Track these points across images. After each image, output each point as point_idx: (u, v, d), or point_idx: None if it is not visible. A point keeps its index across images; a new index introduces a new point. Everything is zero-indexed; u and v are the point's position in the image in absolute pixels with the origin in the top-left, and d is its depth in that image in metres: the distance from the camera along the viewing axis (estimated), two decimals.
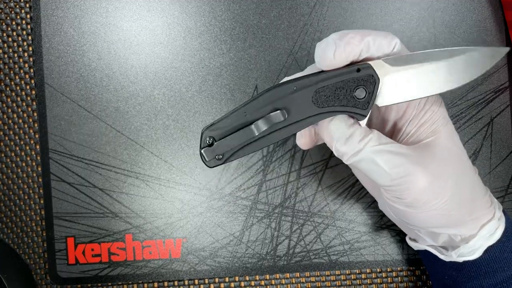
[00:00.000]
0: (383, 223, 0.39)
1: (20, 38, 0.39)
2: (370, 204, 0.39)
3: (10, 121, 0.40)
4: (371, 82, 0.27)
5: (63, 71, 0.39)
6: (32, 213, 0.40)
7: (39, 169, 0.40)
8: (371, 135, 0.27)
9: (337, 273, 0.40)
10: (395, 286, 0.40)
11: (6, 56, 0.39)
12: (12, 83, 0.39)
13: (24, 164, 0.40)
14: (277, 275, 0.40)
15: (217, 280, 0.40)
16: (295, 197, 0.39)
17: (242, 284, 0.40)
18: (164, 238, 0.39)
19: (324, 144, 0.39)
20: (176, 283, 0.40)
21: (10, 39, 0.39)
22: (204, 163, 0.28)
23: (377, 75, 0.27)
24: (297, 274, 0.40)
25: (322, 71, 0.27)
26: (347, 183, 0.39)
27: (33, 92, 0.39)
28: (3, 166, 0.40)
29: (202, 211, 0.39)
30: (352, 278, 0.40)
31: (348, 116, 0.28)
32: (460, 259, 0.31)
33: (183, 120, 0.39)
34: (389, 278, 0.40)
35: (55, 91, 0.39)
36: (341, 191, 0.39)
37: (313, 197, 0.39)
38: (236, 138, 0.27)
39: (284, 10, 0.39)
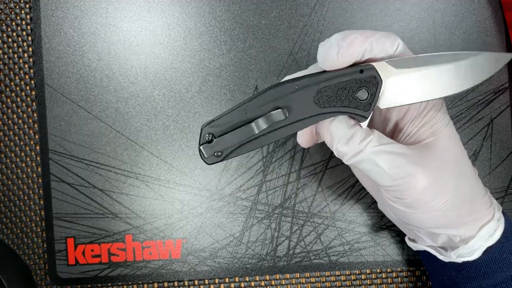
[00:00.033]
0: (383, 224, 0.39)
1: (20, 39, 0.39)
2: (370, 204, 0.39)
3: (10, 122, 0.40)
4: (374, 83, 0.27)
5: (63, 71, 0.39)
6: (32, 214, 0.40)
7: (39, 169, 0.40)
8: (372, 136, 0.27)
9: (337, 274, 0.40)
10: (395, 287, 0.40)
11: (6, 56, 0.39)
12: (12, 83, 0.39)
13: (24, 165, 0.40)
14: (277, 275, 0.40)
15: (217, 280, 0.40)
16: (295, 197, 0.39)
17: (242, 284, 0.40)
18: (164, 239, 0.39)
19: (324, 144, 0.39)
20: (176, 283, 0.40)
21: (10, 39, 0.39)
22: (203, 159, 0.27)
23: (380, 77, 0.27)
24: (297, 275, 0.40)
25: (325, 71, 0.27)
26: (347, 184, 0.39)
27: (33, 92, 0.39)
28: (3, 166, 0.40)
29: (202, 212, 0.39)
30: (352, 278, 0.40)
31: (349, 117, 0.28)
32: (459, 260, 0.31)
33: (183, 120, 0.39)
34: (389, 279, 0.40)
35: (55, 92, 0.39)
36: (341, 192, 0.39)
37: (313, 198, 0.39)
38: (235, 136, 0.27)
39: (284, 11, 0.39)
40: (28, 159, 0.40)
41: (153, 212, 0.39)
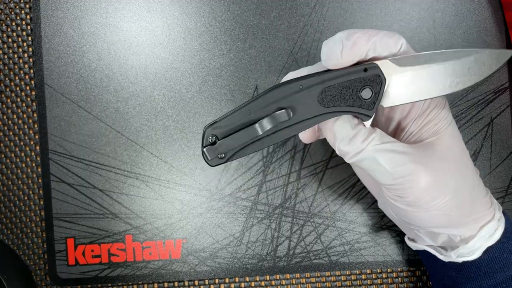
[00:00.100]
0: (383, 224, 0.39)
1: (20, 39, 0.39)
2: (371, 204, 0.39)
3: (10, 122, 0.39)
4: (378, 82, 0.27)
5: (63, 72, 0.39)
6: (32, 214, 0.40)
7: (39, 170, 0.40)
8: (374, 135, 0.27)
9: (337, 274, 0.40)
10: (395, 287, 0.40)
11: (6, 57, 0.39)
12: (12, 84, 0.39)
13: (24, 165, 0.40)
14: (277, 276, 0.40)
15: (217, 281, 0.40)
16: (295, 197, 0.39)
17: (242, 285, 0.40)
18: (164, 239, 0.39)
19: (325, 144, 0.39)
20: (176, 284, 0.40)
21: (10, 40, 0.39)
22: (206, 161, 0.27)
23: (384, 76, 0.27)
24: (297, 275, 0.40)
25: (328, 70, 0.27)
26: (347, 184, 0.39)
27: (33, 93, 0.39)
28: (3, 167, 0.40)
29: (202, 212, 0.39)
30: (353, 278, 0.40)
31: (352, 116, 0.28)
32: (459, 260, 0.31)
33: (183, 120, 0.39)
34: (389, 279, 0.40)
35: (55, 92, 0.39)
36: (341, 192, 0.39)
37: (313, 198, 0.39)
38: (239, 137, 0.27)
39: (284, 11, 0.39)
40: (28, 159, 0.40)
41: (153, 212, 0.39)
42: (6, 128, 0.39)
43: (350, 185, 0.39)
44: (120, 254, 0.39)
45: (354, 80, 0.26)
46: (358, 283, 0.40)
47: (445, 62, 0.27)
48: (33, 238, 0.40)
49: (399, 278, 0.40)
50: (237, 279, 0.40)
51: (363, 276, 0.40)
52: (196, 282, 0.40)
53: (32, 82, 0.39)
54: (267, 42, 0.39)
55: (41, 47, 0.39)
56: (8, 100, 0.39)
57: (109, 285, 0.39)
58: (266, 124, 0.26)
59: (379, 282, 0.40)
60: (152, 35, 0.39)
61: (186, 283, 0.40)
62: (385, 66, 0.27)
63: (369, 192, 0.39)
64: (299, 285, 0.40)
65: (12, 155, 0.40)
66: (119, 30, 0.39)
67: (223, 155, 0.27)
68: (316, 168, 0.39)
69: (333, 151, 0.39)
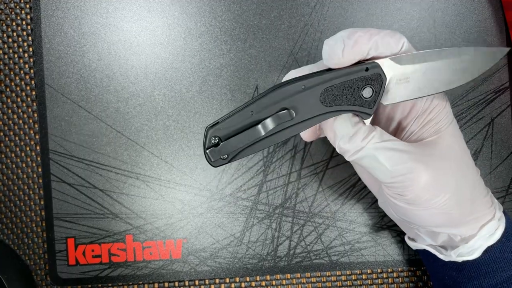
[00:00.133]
0: (383, 224, 0.39)
1: (20, 39, 0.39)
2: (371, 204, 0.39)
3: (10, 122, 0.39)
4: (379, 81, 0.27)
5: (63, 71, 0.39)
6: (33, 214, 0.40)
7: (39, 170, 0.40)
8: (374, 133, 0.27)
9: (337, 274, 0.40)
10: (396, 287, 0.40)
11: (6, 57, 0.39)
12: (12, 84, 0.39)
13: (24, 165, 0.40)
14: (278, 275, 0.40)
15: (217, 281, 0.40)
16: (295, 197, 0.39)
17: (243, 285, 0.40)
18: (164, 239, 0.39)
19: (325, 143, 0.39)
20: (176, 284, 0.40)
21: (10, 40, 0.39)
22: (209, 163, 0.27)
23: (385, 75, 0.27)
24: (298, 275, 0.40)
25: (330, 69, 0.27)
26: (347, 184, 0.39)
27: (33, 93, 0.39)
28: (3, 167, 0.40)
29: (203, 212, 0.39)
30: (353, 278, 0.40)
31: (353, 114, 0.28)
32: (459, 259, 0.31)
33: (184, 120, 0.39)
34: (390, 279, 0.40)
35: (55, 92, 0.39)
36: (341, 192, 0.39)
37: (313, 198, 0.39)
38: (242, 138, 0.26)
39: (284, 11, 0.39)
40: (28, 159, 0.40)
41: (154, 212, 0.39)
42: (6, 128, 0.40)
43: (351, 185, 0.39)
44: (121, 254, 0.39)
45: (355, 80, 0.27)
46: (359, 283, 0.40)
47: (443, 59, 0.28)
48: (34, 238, 0.40)
49: (400, 278, 0.40)
50: (237, 279, 0.40)
51: (364, 276, 0.40)
52: (197, 282, 0.40)
53: (33, 82, 0.39)
54: (268, 42, 0.39)
55: (41, 47, 0.39)
56: (9, 100, 0.39)
57: (110, 285, 0.39)
58: (269, 124, 0.26)
59: (379, 282, 0.40)
60: (153, 35, 0.39)
61: (187, 283, 0.40)
62: (385, 65, 0.27)
63: (369, 192, 0.39)
64: (299, 285, 0.40)
65: (13, 155, 0.40)
66: (120, 30, 0.39)
67: (226, 156, 0.27)
68: (316, 168, 0.39)
69: (334, 150, 0.39)
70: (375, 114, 0.31)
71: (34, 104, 0.39)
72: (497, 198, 0.40)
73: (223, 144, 0.27)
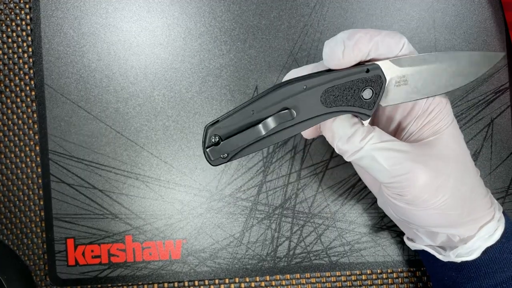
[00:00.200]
0: (383, 224, 0.39)
1: (19, 39, 0.39)
2: (371, 205, 0.39)
3: (9, 122, 0.39)
4: (379, 83, 0.27)
5: (62, 72, 0.39)
6: (32, 214, 0.40)
7: (39, 170, 0.39)
8: (373, 133, 0.27)
9: (337, 274, 0.40)
10: (395, 287, 0.40)
11: (5, 57, 0.39)
12: (12, 84, 0.39)
13: (23, 165, 0.40)
14: (278, 276, 0.40)
15: (217, 281, 0.40)
16: (295, 198, 0.39)
17: (242, 285, 0.40)
18: (164, 239, 0.39)
19: (325, 144, 0.39)
20: (176, 284, 0.40)
21: (9, 40, 0.39)
22: (209, 162, 0.27)
23: (385, 76, 0.27)
24: (298, 275, 0.40)
25: (330, 70, 0.27)
26: (347, 184, 0.39)
27: (33, 93, 0.39)
28: (3, 167, 0.40)
29: (202, 212, 0.39)
30: (353, 279, 0.40)
31: (352, 115, 0.28)
32: (458, 260, 0.31)
33: (183, 121, 0.39)
34: (389, 279, 0.40)
35: (55, 92, 0.39)
36: (341, 192, 0.39)
37: (313, 198, 0.39)
38: (243, 138, 0.26)
39: (284, 11, 0.39)
40: (28, 159, 0.39)
41: (153, 212, 0.39)
42: (6, 128, 0.39)
43: (350, 186, 0.39)
44: (120, 255, 0.39)
45: (356, 81, 0.27)
46: (358, 284, 0.40)
47: (441, 62, 0.28)
48: (33, 239, 0.40)
49: (399, 279, 0.40)
50: (237, 280, 0.40)
51: (364, 277, 0.40)
52: (196, 283, 0.40)
53: (32, 82, 0.39)
54: (267, 42, 0.39)
55: (41, 48, 0.39)
56: (8, 101, 0.39)
57: (109, 285, 0.39)
58: (270, 124, 0.26)
59: (379, 283, 0.40)
60: (152, 35, 0.39)
61: (186, 284, 0.40)
62: (385, 67, 0.27)
63: (369, 192, 0.39)
64: (299, 286, 0.40)
65: (12, 155, 0.39)
66: (119, 31, 0.39)
67: (226, 155, 0.27)
68: (316, 168, 0.39)
69: (333, 151, 0.39)
70: (375, 115, 0.32)
71: (34, 104, 0.39)
72: (497, 199, 0.40)
73: (223, 143, 0.26)
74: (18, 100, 0.39)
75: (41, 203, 0.40)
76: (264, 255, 0.39)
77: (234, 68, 0.39)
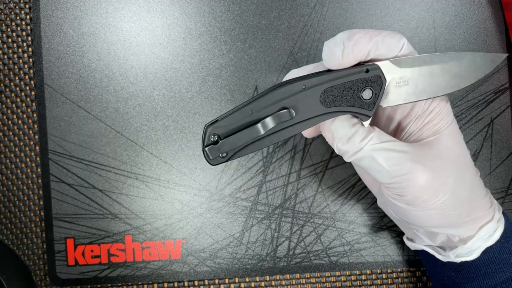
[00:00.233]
0: (383, 224, 0.39)
1: (19, 39, 0.39)
2: (371, 205, 0.39)
3: (9, 122, 0.39)
4: (379, 83, 0.27)
5: (62, 72, 0.39)
6: (32, 214, 0.40)
7: (39, 170, 0.39)
8: (373, 134, 0.27)
9: (337, 274, 0.40)
10: (395, 287, 0.40)
11: (5, 57, 0.39)
12: (12, 84, 0.39)
13: (23, 165, 0.40)
14: (277, 276, 0.40)
15: (216, 281, 0.40)
16: (295, 198, 0.39)
17: (242, 285, 0.40)
18: (163, 239, 0.39)
19: (325, 144, 0.39)
20: (175, 284, 0.40)
21: (9, 40, 0.39)
22: (208, 161, 0.27)
23: (385, 77, 0.27)
24: (297, 275, 0.40)
25: (330, 70, 0.27)
26: (347, 184, 0.39)
27: (33, 93, 0.39)
28: (3, 167, 0.40)
29: (202, 212, 0.39)
30: (353, 279, 0.40)
31: (351, 116, 0.28)
32: (458, 260, 0.31)
33: (183, 121, 0.39)
34: (389, 279, 0.40)
35: (55, 92, 0.39)
36: (341, 192, 0.39)
37: (313, 198, 0.39)
38: (242, 137, 0.26)
39: (284, 11, 0.39)
40: (27, 159, 0.39)
41: (153, 212, 0.39)
42: (5, 128, 0.39)
43: (350, 186, 0.39)
44: (120, 255, 0.39)
45: (355, 81, 0.27)
46: (358, 284, 0.40)
47: (442, 64, 0.28)
48: (33, 238, 0.40)
49: (399, 279, 0.40)
50: (236, 280, 0.40)
51: (363, 277, 0.40)
52: (196, 283, 0.40)
53: (32, 82, 0.39)
54: (267, 42, 0.39)
55: (40, 47, 0.39)
56: (8, 100, 0.39)
57: (109, 285, 0.39)
58: (269, 123, 0.26)
59: (379, 283, 0.40)
60: (152, 35, 0.39)
61: (186, 284, 0.40)
62: (385, 67, 0.27)
63: (369, 192, 0.39)
64: (299, 286, 0.40)
65: (12, 155, 0.39)
66: (119, 30, 0.39)
67: (225, 154, 0.27)
68: (316, 168, 0.39)
69: (333, 151, 0.39)
70: (374, 115, 0.31)
71: (34, 104, 0.39)
72: (497, 199, 0.40)
73: (222, 142, 0.26)
74: (18, 100, 0.39)
75: (41, 203, 0.40)
76: (264, 255, 0.39)
77: (234, 68, 0.39)
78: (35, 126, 0.39)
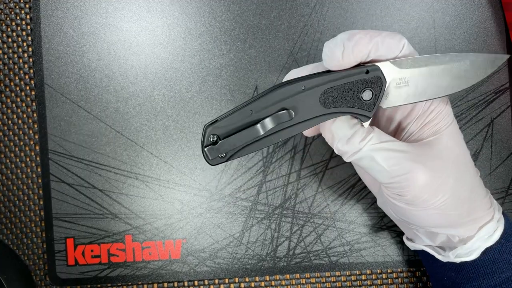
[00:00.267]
0: (383, 224, 0.39)
1: (19, 39, 0.39)
2: (371, 205, 0.39)
3: (9, 122, 0.39)
4: (379, 84, 0.27)
5: (62, 71, 0.39)
6: (32, 214, 0.40)
7: (39, 170, 0.40)
8: (372, 134, 0.27)
9: (337, 274, 0.40)
10: (395, 287, 0.40)
11: (5, 56, 0.39)
12: (12, 83, 0.39)
13: (23, 165, 0.40)
14: (277, 276, 0.40)
15: (216, 281, 0.40)
16: (295, 198, 0.39)
17: (242, 285, 0.40)
18: (163, 239, 0.39)
19: (325, 144, 0.39)
20: (175, 284, 0.40)
21: (9, 39, 0.39)
22: (207, 161, 0.27)
23: (385, 78, 0.27)
24: (297, 275, 0.40)
25: (330, 71, 0.27)
26: (347, 184, 0.39)
27: (33, 92, 0.39)
28: (3, 167, 0.40)
29: (202, 212, 0.39)
30: (352, 279, 0.40)
31: (351, 116, 0.28)
32: (457, 260, 0.31)
33: (183, 120, 0.39)
34: (389, 279, 0.40)
35: (55, 92, 0.39)
36: (341, 192, 0.39)
37: (313, 198, 0.39)
38: (241, 137, 0.26)
39: (284, 11, 0.39)
40: (27, 159, 0.40)
41: (153, 212, 0.39)
42: (6, 128, 0.39)
43: (350, 186, 0.39)
44: (120, 254, 0.39)
45: (355, 82, 0.27)
46: (358, 284, 0.40)
47: (443, 64, 0.28)
48: (33, 238, 0.40)
49: (399, 279, 0.40)
50: (236, 280, 0.40)
51: (363, 277, 0.40)
52: (196, 283, 0.40)
53: (32, 82, 0.39)
54: (267, 42, 0.39)
55: (41, 47, 0.39)
56: (8, 100, 0.39)
57: (109, 285, 0.39)
58: (268, 124, 0.26)
59: (379, 283, 0.40)
60: (152, 35, 0.39)
61: (186, 284, 0.40)
62: (385, 68, 0.27)
63: (369, 192, 0.39)
64: (299, 286, 0.40)
65: (12, 155, 0.40)
66: (119, 30, 0.39)
67: (224, 154, 0.27)
68: (316, 168, 0.39)
69: (333, 151, 0.39)
70: (374, 115, 0.31)
71: (34, 104, 0.39)
72: (497, 199, 0.40)
73: (221, 143, 0.26)
74: (18, 99, 0.39)
75: (41, 202, 0.40)
76: (263, 255, 0.39)
77: (234, 68, 0.39)
78: (35, 125, 0.39)
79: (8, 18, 0.39)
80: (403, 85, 0.27)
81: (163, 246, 0.39)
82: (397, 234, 0.39)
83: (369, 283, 0.40)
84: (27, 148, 0.39)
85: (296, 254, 0.39)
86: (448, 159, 0.28)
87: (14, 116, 0.39)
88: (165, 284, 0.39)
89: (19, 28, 0.39)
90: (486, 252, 0.30)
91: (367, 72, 0.26)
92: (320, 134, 0.31)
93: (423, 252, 0.34)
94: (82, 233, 0.39)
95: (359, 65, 0.27)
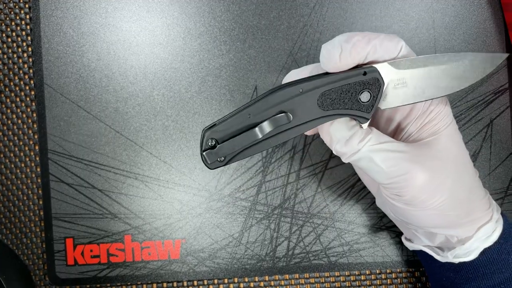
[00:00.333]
0: (382, 225, 0.39)
1: (19, 39, 0.39)
2: (370, 205, 0.39)
3: (9, 122, 0.39)
4: (377, 86, 0.27)
5: (62, 71, 0.39)
6: (31, 214, 0.40)
7: (38, 169, 0.40)
8: (370, 135, 0.27)
9: (336, 275, 0.40)
10: None
11: (5, 56, 0.39)
12: (11, 83, 0.39)
13: (23, 165, 0.40)
14: (276, 276, 0.40)
15: (216, 281, 0.40)
16: (294, 198, 0.39)
17: (241, 285, 0.40)
18: (163, 239, 0.39)
19: (324, 144, 0.39)
20: (175, 284, 0.40)
21: (9, 39, 0.39)
22: (206, 165, 0.27)
23: (383, 79, 0.27)
24: (296, 276, 0.40)
25: (328, 73, 0.27)
26: (346, 184, 0.39)
27: (32, 92, 0.39)
28: (2, 167, 0.40)
29: (201, 212, 0.39)
30: (352, 279, 0.40)
31: (349, 118, 0.28)
32: (456, 260, 0.31)
33: (183, 121, 0.39)
34: (388, 280, 0.40)
35: (54, 92, 0.39)
36: (340, 192, 0.39)
37: (312, 198, 0.39)
38: (239, 141, 0.27)
39: (283, 11, 0.39)
40: (27, 159, 0.40)
41: (152, 212, 0.39)
42: (5, 127, 0.40)
43: (350, 186, 0.39)
44: (119, 254, 0.39)
45: (353, 84, 0.27)
46: (357, 284, 0.40)
47: (441, 65, 0.27)
48: (32, 238, 0.40)
49: (398, 279, 0.40)
50: (236, 280, 0.40)
51: (362, 277, 0.40)
52: (195, 283, 0.40)
53: (32, 82, 0.39)
54: (267, 43, 0.39)
55: (40, 47, 0.39)
56: (8, 100, 0.39)
57: (108, 285, 0.39)
58: (266, 127, 0.26)
59: (378, 283, 0.40)
60: (152, 35, 0.39)
61: (185, 284, 0.40)
62: (383, 69, 0.27)
63: (368, 192, 0.39)
64: (298, 286, 0.40)
65: (11, 154, 0.40)
66: (119, 30, 0.39)
67: (223, 158, 0.27)
68: (315, 168, 0.39)
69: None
70: (373, 116, 0.31)
71: (33, 104, 0.39)
72: (496, 200, 0.40)
73: (219, 147, 0.27)
74: (18, 99, 0.39)
75: (40, 202, 0.40)
76: (263, 255, 0.39)
77: (233, 68, 0.39)
78: (35, 125, 0.39)
79: (7, 18, 0.39)
80: (401, 86, 0.27)
81: (162, 246, 0.39)
82: (396, 234, 0.39)
83: (368, 283, 0.40)
84: (26, 148, 0.40)
85: (295, 254, 0.39)
86: (447, 160, 0.28)
87: (14, 116, 0.39)
88: (164, 284, 0.39)
89: (18, 28, 0.39)
90: (485, 252, 0.30)
91: (365, 73, 0.26)
92: None
93: (421, 253, 0.34)
94: (81, 233, 0.39)
95: (356, 67, 0.27)
